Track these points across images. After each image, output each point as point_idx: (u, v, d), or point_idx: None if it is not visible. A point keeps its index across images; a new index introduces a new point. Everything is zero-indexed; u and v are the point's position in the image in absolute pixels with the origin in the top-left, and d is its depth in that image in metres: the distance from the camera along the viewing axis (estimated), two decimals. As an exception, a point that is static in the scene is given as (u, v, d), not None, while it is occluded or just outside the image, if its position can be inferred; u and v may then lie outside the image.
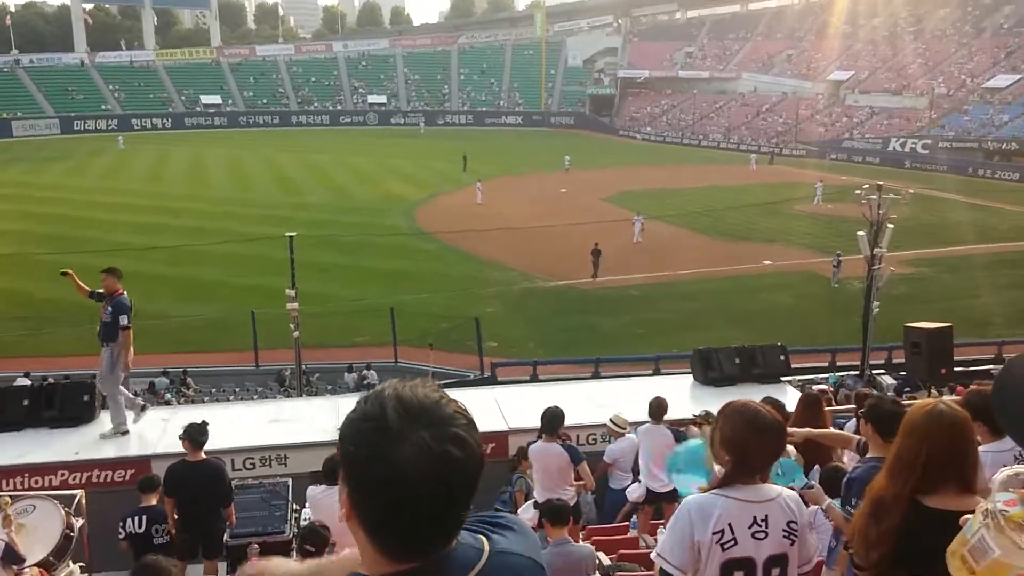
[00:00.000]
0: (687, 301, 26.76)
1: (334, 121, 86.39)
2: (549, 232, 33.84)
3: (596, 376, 17.00)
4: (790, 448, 3.01)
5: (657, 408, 8.24)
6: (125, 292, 9.49)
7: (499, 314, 25.41)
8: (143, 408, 10.19)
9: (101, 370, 9.57)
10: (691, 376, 12.00)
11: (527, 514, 7.24)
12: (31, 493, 7.75)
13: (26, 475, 8.84)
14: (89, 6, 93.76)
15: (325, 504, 6.77)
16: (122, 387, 9.89)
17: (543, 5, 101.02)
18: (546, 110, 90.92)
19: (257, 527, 7.33)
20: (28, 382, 17.48)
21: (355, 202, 43.18)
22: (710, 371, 11.77)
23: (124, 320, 9.27)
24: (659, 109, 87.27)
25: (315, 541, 5.32)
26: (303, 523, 6.82)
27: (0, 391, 10.03)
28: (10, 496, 7.11)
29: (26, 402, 9.97)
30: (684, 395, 11.36)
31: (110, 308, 9.30)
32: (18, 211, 39.36)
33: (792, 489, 3.18)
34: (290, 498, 7.69)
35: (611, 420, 8.96)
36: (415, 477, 1.31)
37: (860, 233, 17.68)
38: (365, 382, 20.87)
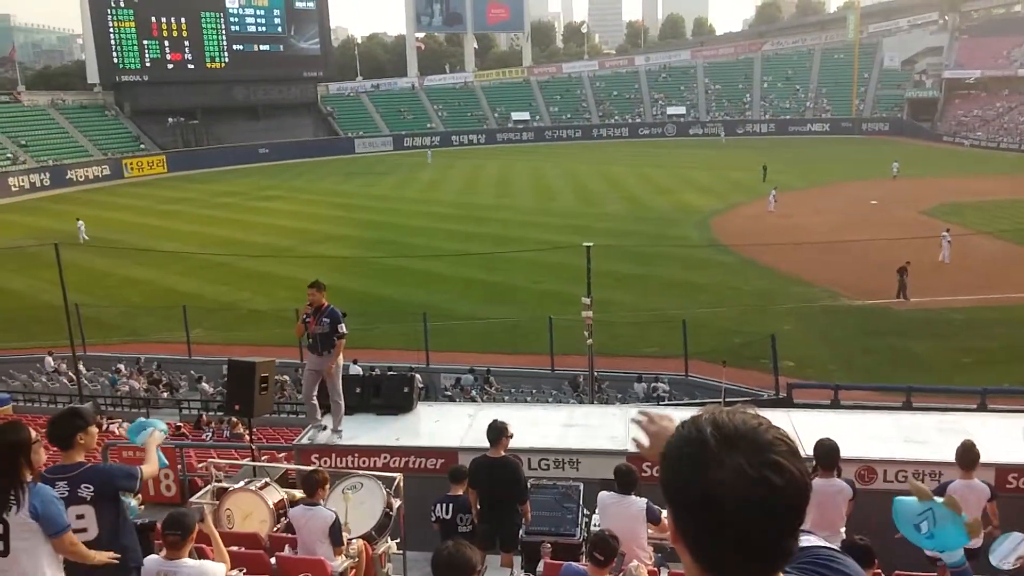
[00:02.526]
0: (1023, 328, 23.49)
1: (633, 133, 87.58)
2: (856, 247, 31.48)
3: (907, 407, 15.50)
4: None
5: (963, 455, 7.33)
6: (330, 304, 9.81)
7: (797, 332, 24.12)
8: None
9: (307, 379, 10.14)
10: (1027, 416, 10.53)
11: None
12: (360, 472, 8.80)
13: (356, 455, 10.02)
14: (421, 35, 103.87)
15: (615, 512, 6.92)
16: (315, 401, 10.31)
17: (857, 5, 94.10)
18: (857, 116, 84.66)
19: (550, 527, 7.65)
20: (359, 370, 19.89)
21: (650, 212, 43.42)
22: (1052, 412, 10.23)
23: (342, 328, 9.66)
24: (993, 112, 77.48)
25: (604, 550, 5.45)
26: (593, 528, 7.02)
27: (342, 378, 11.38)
28: (343, 472, 8.14)
29: (358, 390, 11.30)
30: (1017, 437, 10.00)
31: (326, 319, 9.60)
32: (356, 219, 44.73)
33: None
34: (581, 502, 7.94)
35: None
36: (732, 501, 1.32)
37: None
38: (655, 393, 20.92)
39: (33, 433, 4.60)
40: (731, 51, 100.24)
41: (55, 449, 5.29)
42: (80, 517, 4.81)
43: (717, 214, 42.78)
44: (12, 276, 33.61)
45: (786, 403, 16.69)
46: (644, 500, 6.96)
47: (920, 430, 9.96)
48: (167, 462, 5.59)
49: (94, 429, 5.11)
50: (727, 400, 15.37)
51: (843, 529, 6.97)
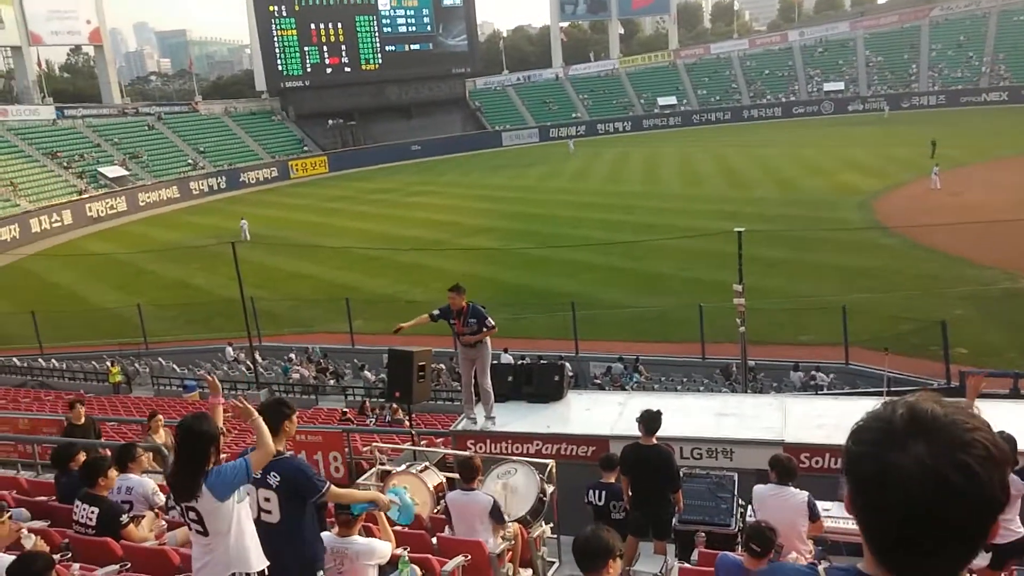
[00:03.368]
0: None
1: (786, 113, 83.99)
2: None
3: (1101, 399, 14.19)
4: None
5: None
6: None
7: (970, 317, 22.50)
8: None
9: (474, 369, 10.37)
10: None
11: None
12: (514, 458, 9.06)
13: (510, 441, 10.31)
14: (565, 25, 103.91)
15: (772, 504, 6.79)
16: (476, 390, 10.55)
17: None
18: (1040, 82, 77.34)
19: (704, 516, 7.61)
20: (510, 358, 20.33)
21: (805, 195, 41.60)
22: None
23: (490, 322, 9.84)
24: None
25: (761, 542, 5.38)
26: (748, 519, 6.92)
27: (492, 367, 11.71)
28: (498, 458, 8.41)
29: (510, 378, 11.61)
30: None
31: (472, 320, 9.81)
32: (504, 211, 45.50)
33: None
34: (736, 492, 7.84)
35: None
36: (904, 488, 1.28)
37: None
38: (813, 383, 20.16)
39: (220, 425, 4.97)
40: (895, 19, 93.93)
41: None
42: (267, 500, 5.15)
43: (879, 194, 40.40)
44: (196, 272, 36.62)
45: (959, 392, 15.65)
46: (806, 493, 6.79)
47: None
48: (362, 509, 5.77)
49: (296, 418, 5.45)
50: (890, 390, 14.61)
51: (1020, 528, 6.54)
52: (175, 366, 26.27)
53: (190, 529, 4.78)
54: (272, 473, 5.17)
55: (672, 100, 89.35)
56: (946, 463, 1.26)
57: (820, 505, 6.83)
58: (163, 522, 6.99)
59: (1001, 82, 79.61)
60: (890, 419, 1.34)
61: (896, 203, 37.93)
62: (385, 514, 5.91)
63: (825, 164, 50.90)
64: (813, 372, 20.53)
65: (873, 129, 67.00)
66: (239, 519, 4.71)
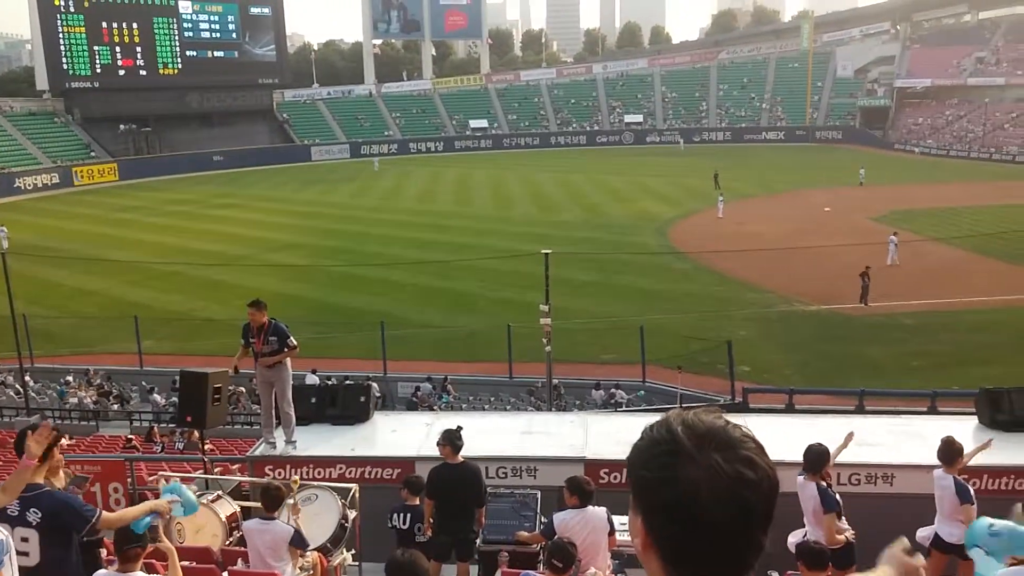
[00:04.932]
0: (973, 333, 24.04)
1: (591, 141, 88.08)
2: (810, 253, 32.02)
3: (860, 410, 15.77)
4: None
5: (947, 451, 7.49)
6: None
7: (753, 337, 24.45)
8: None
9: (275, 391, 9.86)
10: (975, 418, 10.75)
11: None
12: (314, 483, 8.64)
13: (311, 466, 9.84)
14: (378, 42, 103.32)
15: (576, 528, 6.77)
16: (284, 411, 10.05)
17: (811, 15, 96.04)
18: (810, 124, 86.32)
19: (508, 535, 7.59)
20: (316, 379, 19.63)
21: (609, 220, 43.70)
22: (999, 414, 10.43)
23: (292, 341, 9.51)
24: (942, 120, 79.55)
25: (563, 557, 5.42)
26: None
27: (295, 388, 11.19)
28: (298, 482, 8.00)
29: (313, 400, 11.13)
30: (966, 439, 10.17)
31: (273, 338, 9.43)
32: (313, 227, 44.26)
33: None
34: (539, 510, 7.90)
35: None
36: (711, 499, 1.32)
37: None
38: (613, 400, 20.99)
39: None
40: (687, 59, 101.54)
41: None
42: (24, 540, 4.65)
43: (674, 221, 43.22)
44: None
45: (742, 408, 16.85)
46: (604, 508, 6.92)
47: (872, 433, 10.12)
48: (145, 525, 5.23)
49: (64, 441, 4.94)
50: (684, 405, 15.45)
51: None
52: (-76, 392, 23.15)
53: None
54: (32, 509, 4.68)
55: (484, 123, 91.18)
56: (737, 463, 1.34)
57: (616, 520, 6.98)
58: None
59: (778, 122, 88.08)
60: (673, 439, 1.38)
61: (689, 230, 40.69)
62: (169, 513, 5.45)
63: (626, 191, 53.77)
64: (613, 390, 21.39)
65: (669, 160, 71.75)
66: None
